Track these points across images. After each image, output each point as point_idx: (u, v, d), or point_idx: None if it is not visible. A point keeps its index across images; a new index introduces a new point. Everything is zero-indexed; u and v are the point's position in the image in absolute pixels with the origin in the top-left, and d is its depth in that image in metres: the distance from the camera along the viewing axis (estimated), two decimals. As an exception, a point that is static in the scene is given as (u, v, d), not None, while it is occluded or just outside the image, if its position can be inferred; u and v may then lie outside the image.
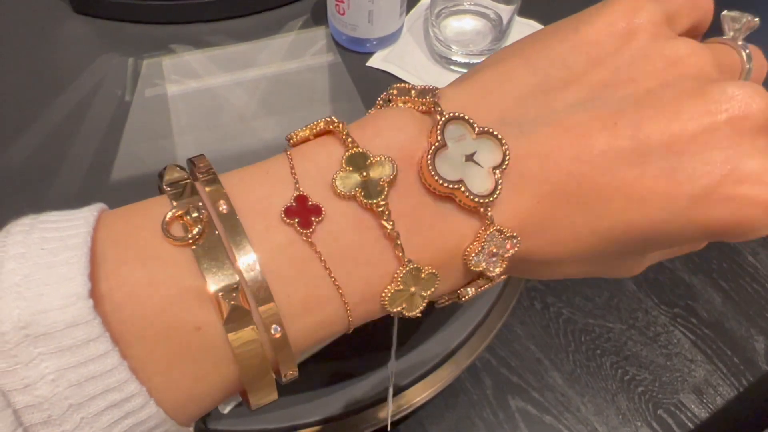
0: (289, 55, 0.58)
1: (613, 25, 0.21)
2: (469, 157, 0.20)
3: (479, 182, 0.20)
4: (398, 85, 0.22)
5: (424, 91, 0.21)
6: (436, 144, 0.19)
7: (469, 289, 0.22)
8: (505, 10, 0.55)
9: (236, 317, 0.18)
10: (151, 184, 0.56)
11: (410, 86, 0.22)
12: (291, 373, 0.20)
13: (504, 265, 0.21)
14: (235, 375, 0.19)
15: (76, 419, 0.16)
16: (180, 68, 0.57)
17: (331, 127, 0.21)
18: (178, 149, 0.53)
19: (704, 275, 1.28)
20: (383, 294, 0.20)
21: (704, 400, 1.13)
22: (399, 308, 0.20)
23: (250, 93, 0.56)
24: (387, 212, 0.19)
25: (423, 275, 0.20)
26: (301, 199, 0.19)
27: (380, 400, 0.52)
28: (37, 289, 0.16)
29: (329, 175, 0.20)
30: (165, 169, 0.20)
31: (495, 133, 0.20)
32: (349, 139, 0.20)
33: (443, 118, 0.20)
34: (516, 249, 0.20)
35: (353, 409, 0.52)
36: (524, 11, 0.59)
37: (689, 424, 1.10)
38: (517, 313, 1.19)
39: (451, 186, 0.19)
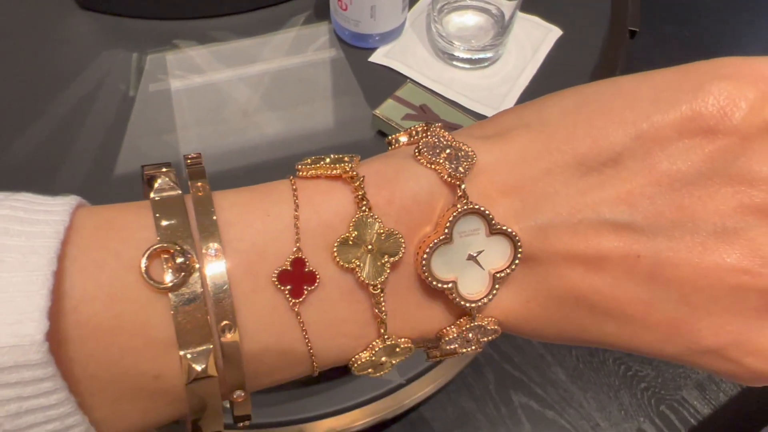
0: (292, 51, 0.58)
1: (692, 123, 0.17)
2: (473, 256, 0.19)
3: (473, 284, 0.19)
4: (437, 130, 0.19)
5: (458, 156, 0.18)
6: (441, 238, 0.18)
7: (436, 351, 0.21)
8: (507, 6, 0.55)
9: (200, 378, 0.17)
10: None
11: (446, 141, 0.19)
12: (244, 424, 0.19)
13: (476, 347, 0.20)
14: (185, 411, 0.18)
15: None
16: (183, 63, 0.57)
17: (347, 178, 0.19)
18: (182, 144, 0.53)
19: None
20: (354, 359, 0.19)
21: (707, 397, 1.13)
22: (365, 372, 0.20)
23: (253, 88, 0.56)
24: (383, 295, 0.18)
25: (398, 349, 0.19)
26: (298, 263, 0.18)
27: (384, 394, 0.53)
28: None
29: (332, 236, 0.18)
30: (156, 173, 0.18)
31: (513, 235, 0.18)
32: (364, 202, 0.18)
33: (459, 211, 0.18)
34: (492, 338, 0.20)
35: (358, 402, 0.52)
36: (526, 7, 0.59)
37: (692, 420, 1.10)
38: None
39: (440, 286, 0.18)
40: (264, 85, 0.56)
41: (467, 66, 0.57)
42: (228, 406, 0.19)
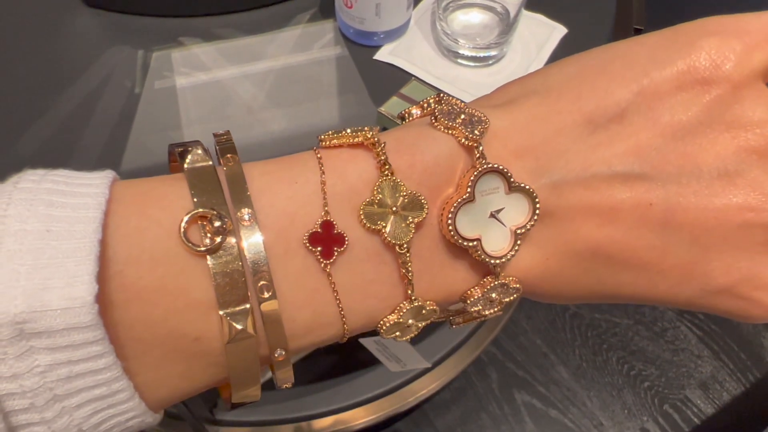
0: (297, 48, 0.58)
1: (688, 76, 0.19)
2: (494, 214, 0.19)
3: (497, 241, 0.19)
4: (449, 99, 0.20)
5: (472, 121, 0.19)
6: (464, 197, 0.19)
7: (459, 317, 0.22)
8: (513, 4, 0.55)
9: (240, 339, 0.17)
10: (160, 175, 0.56)
11: (460, 107, 0.20)
12: (287, 385, 0.20)
13: (499, 308, 0.21)
14: (223, 376, 0.19)
15: (58, 408, 0.16)
16: (189, 61, 0.57)
17: (369, 144, 0.19)
18: (187, 141, 0.54)
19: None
20: (382, 322, 0.20)
21: (710, 396, 1.13)
22: (393, 335, 0.20)
23: (258, 86, 0.56)
24: (408, 255, 0.19)
25: (424, 311, 0.20)
26: (327, 226, 0.18)
27: (388, 391, 0.53)
28: (40, 281, 0.15)
29: (358, 200, 0.19)
30: (186, 148, 0.19)
31: (531, 191, 0.19)
32: (387, 166, 0.19)
33: (479, 170, 0.19)
34: (514, 297, 0.20)
35: (361, 400, 0.52)
36: (531, 5, 0.59)
37: (695, 419, 1.10)
38: (524, 307, 1.20)
39: (465, 244, 0.19)
40: (269, 83, 0.56)
41: (472, 64, 0.57)
42: (269, 375, 0.20)
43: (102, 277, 0.16)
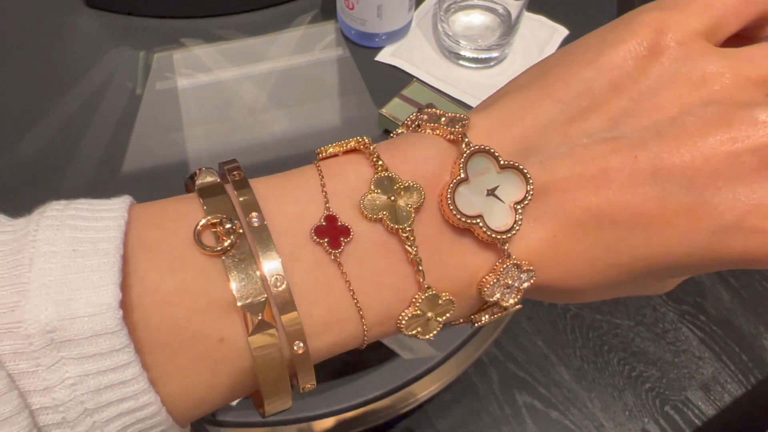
0: (299, 50, 0.58)
1: (638, 47, 0.21)
2: (491, 192, 0.20)
3: (499, 217, 0.20)
4: (429, 109, 0.22)
5: (453, 120, 0.21)
6: (458, 178, 0.20)
7: (483, 315, 0.22)
8: (514, 6, 0.55)
9: (261, 331, 0.18)
10: (162, 176, 0.56)
11: (440, 112, 0.22)
12: (310, 385, 0.20)
13: (519, 296, 0.21)
14: (250, 384, 0.19)
15: (89, 423, 0.17)
16: (190, 62, 0.57)
17: (360, 147, 0.21)
18: (188, 142, 0.54)
19: (713, 272, 1.27)
20: (400, 317, 0.20)
21: (711, 397, 1.12)
22: (414, 332, 0.20)
23: (260, 87, 0.56)
24: (412, 238, 0.19)
25: (440, 301, 0.20)
26: (331, 219, 0.19)
27: (390, 392, 0.53)
28: (68, 293, 0.16)
29: (357, 196, 0.20)
30: (196, 172, 0.20)
31: (520, 167, 0.20)
32: (379, 162, 0.20)
33: (468, 151, 0.20)
34: (531, 282, 0.20)
35: (362, 401, 0.52)
36: (533, 6, 0.59)
37: (696, 421, 1.10)
38: (525, 308, 1.19)
39: (468, 221, 0.19)
40: (270, 84, 0.56)
41: (473, 65, 0.57)
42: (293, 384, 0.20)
43: (125, 285, 0.17)
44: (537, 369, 1.13)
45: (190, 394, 0.19)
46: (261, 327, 0.18)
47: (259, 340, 0.18)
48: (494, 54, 0.56)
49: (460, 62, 0.57)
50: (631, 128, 0.20)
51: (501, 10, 0.57)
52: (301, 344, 0.19)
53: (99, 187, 0.52)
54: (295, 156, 0.53)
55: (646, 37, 0.21)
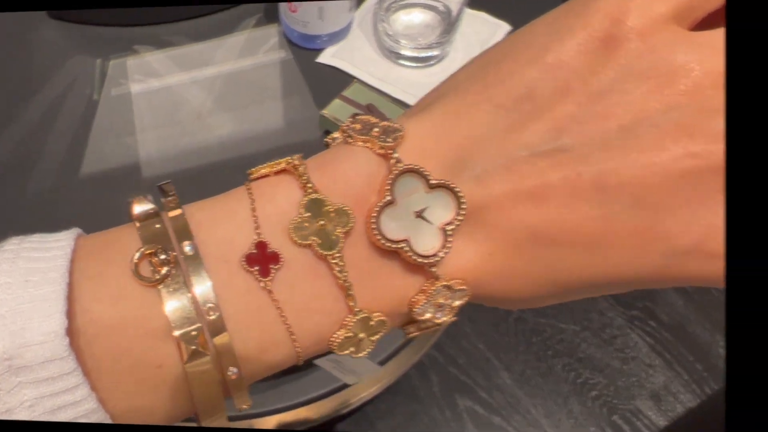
0: (243, 53, 0.60)
1: (590, 39, 0.18)
2: (419, 213, 0.19)
3: (426, 240, 0.19)
4: (363, 117, 0.21)
5: (386, 131, 0.20)
6: (384, 200, 0.19)
7: (412, 327, 0.22)
8: (455, 3, 0.55)
9: (196, 358, 0.19)
10: (116, 180, 0.58)
11: (374, 121, 0.21)
12: (246, 405, 0.21)
13: (452, 314, 0.20)
14: (189, 406, 0.21)
15: None
16: (142, 68, 0.60)
17: (291, 168, 0.20)
18: (141, 146, 0.56)
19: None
20: (332, 339, 0.20)
21: (663, 408, 1.07)
22: (347, 352, 0.21)
23: (207, 91, 0.58)
24: (342, 263, 0.19)
25: (371, 323, 0.20)
26: (261, 246, 0.19)
27: (330, 392, 0.54)
28: (21, 323, 0.18)
29: (287, 220, 0.20)
30: (133, 200, 0.21)
31: (452, 186, 0.19)
32: (309, 184, 0.20)
33: (394, 173, 0.19)
34: (464, 300, 0.20)
35: (302, 401, 0.54)
36: (475, 3, 0.59)
37: (646, 431, 1.05)
38: (467, 310, 1.15)
39: (393, 246, 0.19)
40: (217, 88, 0.58)
41: (414, 64, 0.57)
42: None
43: (72, 313, 0.18)
44: (479, 373, 1.09)
45: (137, 412, 0.20)
46: (195, 356, 0.19)
47: (194, 366, 0.19)
48: (435, 52, 0.57)
49: (401, 62, 0.57)
50: (576, 138, 0.18)
51: (441, 8, 0.57)
52: (235, 370, 0.20)
53: (61, 190, 0.55)
54: (240, 158, 0.55)
55: (599, 27, 0.18)
